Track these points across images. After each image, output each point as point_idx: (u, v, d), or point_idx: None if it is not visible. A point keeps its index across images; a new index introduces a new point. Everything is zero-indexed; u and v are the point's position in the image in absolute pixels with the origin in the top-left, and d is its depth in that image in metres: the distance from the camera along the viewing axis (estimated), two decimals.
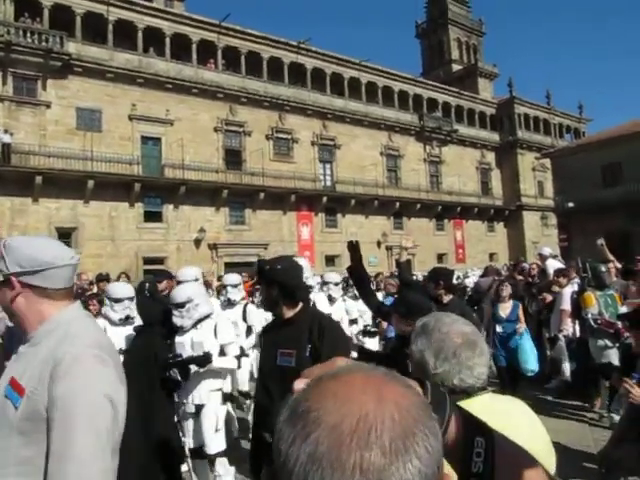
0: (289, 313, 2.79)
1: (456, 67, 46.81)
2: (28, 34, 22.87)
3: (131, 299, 4.64)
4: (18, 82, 22.88)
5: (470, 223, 39.62)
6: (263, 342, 2.97)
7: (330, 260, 30.31)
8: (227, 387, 4.78)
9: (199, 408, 4.14)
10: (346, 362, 0.65)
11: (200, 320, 4.17)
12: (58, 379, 1.39)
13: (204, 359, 3.93)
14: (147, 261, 24.29)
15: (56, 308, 1.59)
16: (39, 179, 21.87)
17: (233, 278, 6.45)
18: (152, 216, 25.31)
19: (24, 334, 1.61)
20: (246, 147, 28.94)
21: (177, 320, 4.14)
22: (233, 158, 28.58)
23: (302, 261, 5.22)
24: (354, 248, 3.91)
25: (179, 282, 5.72)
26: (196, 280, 5.66)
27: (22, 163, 22.01)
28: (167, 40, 26.74)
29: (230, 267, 24.18)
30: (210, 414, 4.13)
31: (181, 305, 4.11)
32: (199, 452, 4.22)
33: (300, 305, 2.82)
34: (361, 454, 0.49)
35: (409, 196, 35.25)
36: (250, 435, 5.96)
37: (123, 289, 4.78)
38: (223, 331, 4.25)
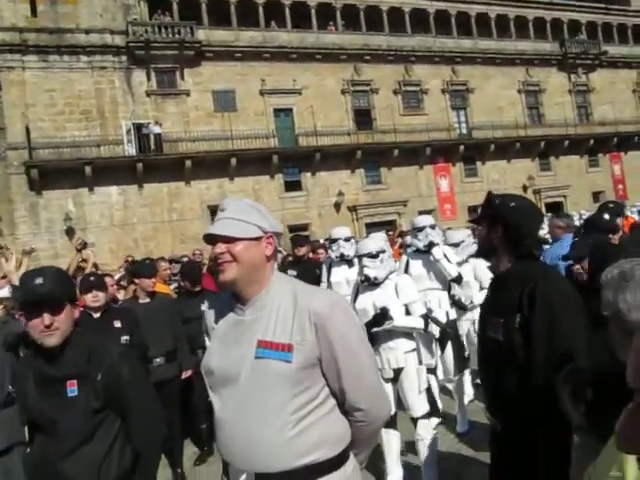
0: (503, 266, 2.23)
1: None
2: (162, 29, 24.48)
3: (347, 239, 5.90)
4: (160, 76, 24.69)
5: (630, 155, 35.39)
6: (482, 306, 2.48)
7: (473, 210, 29.07)
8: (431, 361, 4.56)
9: (397, 372, 3.94)
10: None
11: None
12: (328, 324, 1.60)
13: (381, 315, 3.71)
14: (292, 229, 25.20)
15: (272, 271, 1.74)
16: (188, 163, 23.65)
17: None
18: (292, 185, 26.21)
19: (236, 302, 1.71)
20: (375, 105, 28.53)
21: (371, 272, 3.90)
22: (363, 118, 28.37)
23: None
24: None
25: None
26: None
27: (172, 150, 23.91)
28: (286, 11, 27.00)
29: (371, 227, 24.31)
30: (411, 376, 3.91)
31: (375, 255, 3.91)
32: (392, 420, 3.93)
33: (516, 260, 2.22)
34: None
35: (555, 133, 32.32)
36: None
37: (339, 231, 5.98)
38: (405, 289, 3.94)
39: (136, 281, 5.08)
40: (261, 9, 26.51)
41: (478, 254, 2.56)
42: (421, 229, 5.37)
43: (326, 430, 1.62)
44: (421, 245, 5.35)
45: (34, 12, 23.08)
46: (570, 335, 1.97)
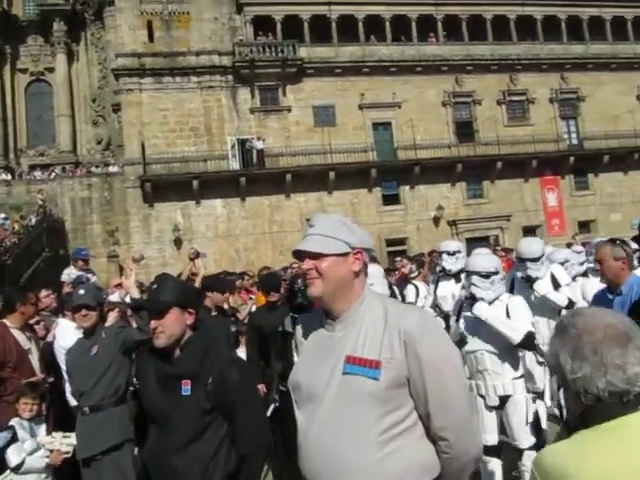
0: None
1: None
2: (266, 49, 25.43)
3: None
4: (263, 93, 25.63)
5: None
6: None
7: (584, 226, 27.25)
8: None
9: (503, 399, 3.69)
10: None
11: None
12: (417, 344, 1.56)
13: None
14: (389, 243, 25.05)
15: (362, 287, 1.71)
16: (289, 177, 24.28)
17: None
18: (390, 199, 26.07)
19: (327, 318, 1.71)
20: (477, 117, 27.70)
21: (479, 291, 3.67)
22: (464, 130, 27.64)
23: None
24: None
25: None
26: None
27: (273, 165, 24.66)
28: (386, 24, 27.02)
29: (471, 242, 23.45)
30: (518, 405, 3.66)
31: (486, 276, 3.69)
32: (495, 449, 3.73)
33: None
34: None
35: None
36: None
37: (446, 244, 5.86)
38: (518, 310, 3.69)
39: (208, 294, 5.09)
40: (361, 24, 26.73)
41: None
42: (522, 260, 4.83)
43: (415, 457, 1.56)
44: (519, 276, 4.90)
45: (151, 38, 24.88)
46: None
